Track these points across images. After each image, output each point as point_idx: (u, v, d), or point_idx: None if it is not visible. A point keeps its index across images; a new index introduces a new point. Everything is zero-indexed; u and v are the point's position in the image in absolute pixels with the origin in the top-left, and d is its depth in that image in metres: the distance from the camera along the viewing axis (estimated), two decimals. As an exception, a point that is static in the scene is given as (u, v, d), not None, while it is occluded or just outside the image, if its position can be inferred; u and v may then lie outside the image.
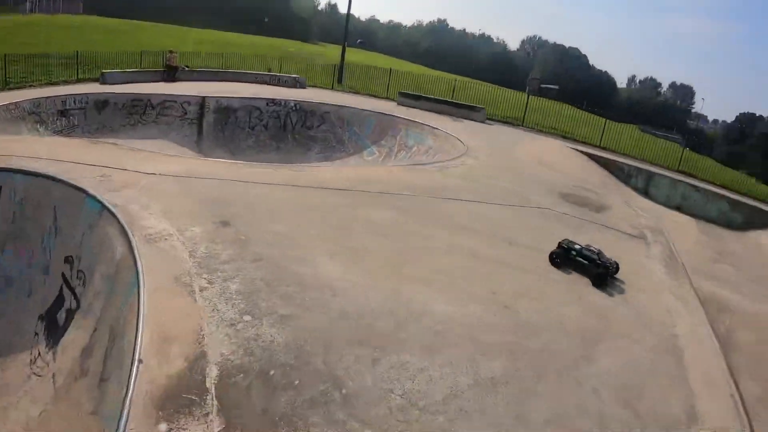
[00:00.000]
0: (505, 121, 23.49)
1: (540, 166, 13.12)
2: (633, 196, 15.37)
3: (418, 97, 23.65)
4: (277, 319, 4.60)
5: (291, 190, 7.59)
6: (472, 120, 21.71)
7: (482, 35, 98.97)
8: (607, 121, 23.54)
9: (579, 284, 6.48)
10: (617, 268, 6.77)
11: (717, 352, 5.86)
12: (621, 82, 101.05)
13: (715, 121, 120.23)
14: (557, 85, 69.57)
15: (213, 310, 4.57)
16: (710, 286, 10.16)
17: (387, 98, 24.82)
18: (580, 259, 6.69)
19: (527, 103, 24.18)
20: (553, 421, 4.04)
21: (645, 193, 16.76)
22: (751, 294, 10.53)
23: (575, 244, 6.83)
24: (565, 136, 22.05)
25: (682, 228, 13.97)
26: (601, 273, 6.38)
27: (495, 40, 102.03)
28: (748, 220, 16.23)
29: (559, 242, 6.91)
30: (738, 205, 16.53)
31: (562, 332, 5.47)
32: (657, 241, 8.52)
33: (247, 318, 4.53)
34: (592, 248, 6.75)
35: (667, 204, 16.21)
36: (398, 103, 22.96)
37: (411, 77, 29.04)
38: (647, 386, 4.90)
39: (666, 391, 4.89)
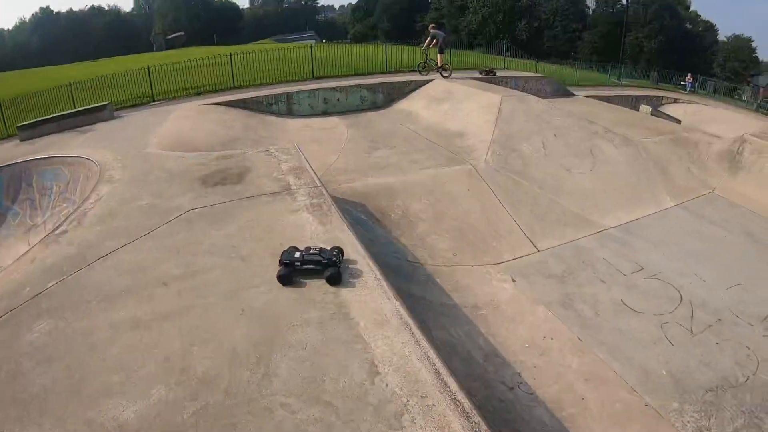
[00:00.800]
0: (135, 104, 21.26)
1: (173, 152, 11.84)
2: (277, 125, 15.08)
3: (40, 123, 19.52)
4: None
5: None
6: (100, 122, 18.91)
7: (91, 9, 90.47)
8: (233, 53, 22.77)
9: (248, 293, 5.64)
10: (342, 253, 5.99)
11: (380, 282, 5.50)
12: (244, 5, 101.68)
13: (342, 7, 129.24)
14: (182, 32, 67.80)
15: None
16: (374, 179, 10.29)
17: (10, 136, 20.39)
18: (308, 266, 5.76)
19: (150, 74, 21.81)
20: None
21: (289, 113, 16.62)
22: (408, 167, 10.93)
23: (296, 251, 5.88)
24: (199, 93, 20.77)
25: (333, 133, 14.14)
26: (333, 273, 5.58)
27: (107, 9, 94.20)
28: (389, 96, 17.19)
29: (280, 259, 5.88)
30: (374, 87, 17.34)
31: (237, 365, 4.60)
32: (300, 184, 7.95)
33: None
34: (312, 250, 5.84)
35: (312, 114, 16.37)
36: (22, 140, 18.86)
37: (26, 99, 24.21)
38: (328, 369, 4.36)
39: (345, 362, 4.41)
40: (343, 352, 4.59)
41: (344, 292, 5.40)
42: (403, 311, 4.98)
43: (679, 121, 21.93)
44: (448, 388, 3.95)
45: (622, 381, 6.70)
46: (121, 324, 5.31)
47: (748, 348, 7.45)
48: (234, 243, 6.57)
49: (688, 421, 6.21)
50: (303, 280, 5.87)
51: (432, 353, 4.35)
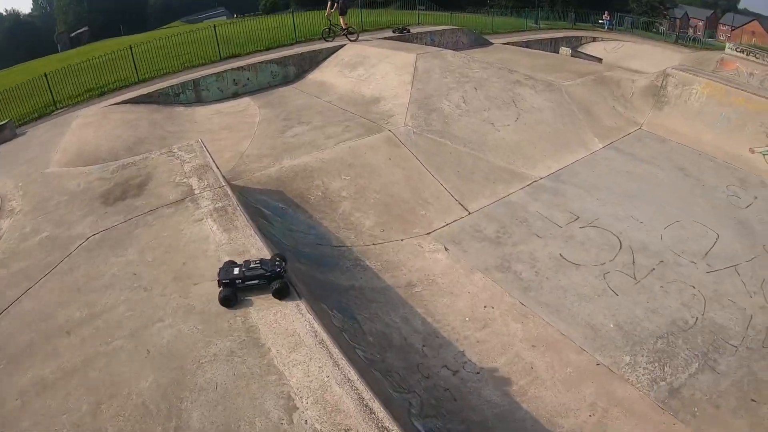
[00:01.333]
0: (39, 116, 19.36)
1: (75, 169, 10.57)
2: (186, 116, 14.08)
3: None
4: None
5: None
6: (1, 144, 17.06)
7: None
8: (133, 45, 21.27)
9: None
10: (285, 261, 5.31)
11: (291, 294, 5.01)
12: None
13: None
14: (86, 27, 64.90)
15: None
16: (290, 161, 9.65)
17: None
18: (251, 282, 5.07)
19: (48, 81, 19.85)
20: None
21: (198, 100, 15.61)
22: (324, 143, 10.32)
23: (234, 267, 5.18)
24: (102, 93, 19.27)
25: (244, 116, 13.33)
26: (280, 287, 5.06)
27: (5, 14, 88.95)
28: (300, 68, 16.46)
29: (218, 279, 5.16)
30: (284, 60, 16.53)
31: (148, 420, 4.07)
32: (203, 186, 7.27)
33: None
34: (252, 263, 5.15)
35: (222, 98, 15.41)
36: None
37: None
38: (243, 411, 3.89)
39: (259, 399, 3.95)
40: (256, 387, 4.07)
41: (253, 313, 4.84)
42: (317, 327, 4.48)
43: (600, 60, 21.92)
44: (373, 415, 3.51)
45: (569, 342, 6.38)
46: (29, 389, 4.69)
47: (694, 287, 7.27)
48: (135, 270, 5.93)
49: (642, 374, 5.97)
50: (250, 299, 5.30)
51: (353, 374, 3.90)
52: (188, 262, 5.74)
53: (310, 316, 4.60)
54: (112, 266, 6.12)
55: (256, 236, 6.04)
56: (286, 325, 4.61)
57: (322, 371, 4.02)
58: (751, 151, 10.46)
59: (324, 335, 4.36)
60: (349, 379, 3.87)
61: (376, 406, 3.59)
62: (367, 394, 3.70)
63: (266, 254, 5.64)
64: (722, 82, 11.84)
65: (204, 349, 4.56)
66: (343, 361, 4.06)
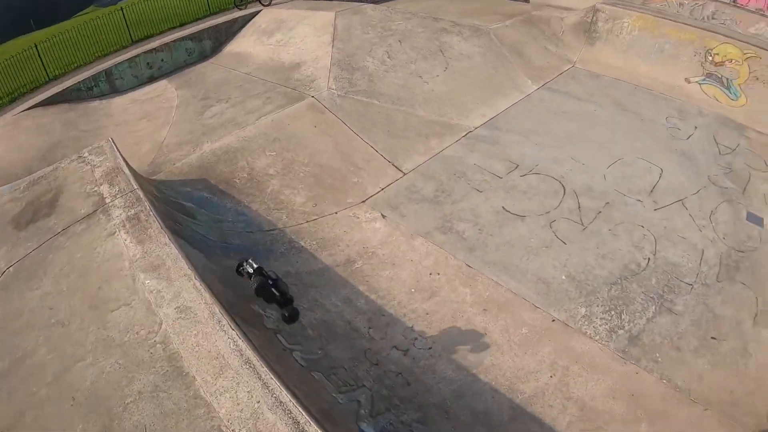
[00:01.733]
0: None
1: None
2: (100, 111, 13.08)
3: None
4: None
5: None
6: None
7: None
8: (38, 44, 19.67)
9: None
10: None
11: (211, 308, 4.56)
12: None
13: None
14: (-8, 26, 61.55)
15: None
16: (211, 145, 9.01)
17: None
18: (274, 290, 4.98)
19: None
20: None
21: (114, 90, 14.55)
22: (245, 119, 9.65)
23: (255, 266, 5.14)
24: (13, 99, 17.73)
25: (161, 101, 12.47)
26: (293, 314, 5.02)
27: None
28: (217, 41, 15.58)
29: (248, 273, 4.99)
30: (199, 35, 15.55)
31: None
32: (115, 193, 6.64)
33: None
34: (280, 280, 5.08)
35: (138, 85, 14.40)
36: None
37: None
38: None
39: None
40: (185, 425, 3.71)
41: (173, 337, 4.38)
42: (242, 343, 4.06)
43: (527, 0, 21.37)
44: (310, 439, 3.19)
45: (522, 300, 6.05)
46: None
47: (642, 227, 7.02)
48: (51, 303, 5.43)
49: (600, 325, 5.71)
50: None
51: (285, 395, 3.57)
52: (103, 285, 5.23)
53: (234, 332, 4.12)
54: (28, 301, 5.57)
55: (172, 244, 5.50)
56: (208, 346, 4.13)
57: (252, 396, 3.61)
58: (688, 80, 10.34)
59: (249, 353, 3.91)
60: (281, 402, 3.50)
61: (313, 429, 3.24)
62: (303, 417, 3.34)
63: (182, 265, 5.16)
64: (653, 14, 11.62)
65: (128, 387, 4.12)
66: (273, 382, 3.66)
